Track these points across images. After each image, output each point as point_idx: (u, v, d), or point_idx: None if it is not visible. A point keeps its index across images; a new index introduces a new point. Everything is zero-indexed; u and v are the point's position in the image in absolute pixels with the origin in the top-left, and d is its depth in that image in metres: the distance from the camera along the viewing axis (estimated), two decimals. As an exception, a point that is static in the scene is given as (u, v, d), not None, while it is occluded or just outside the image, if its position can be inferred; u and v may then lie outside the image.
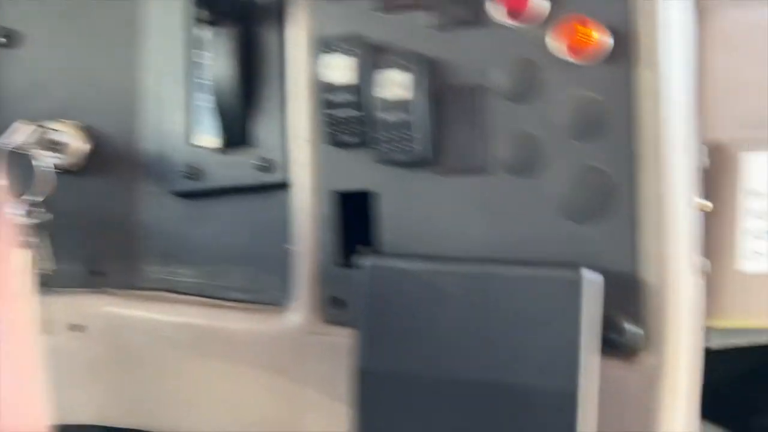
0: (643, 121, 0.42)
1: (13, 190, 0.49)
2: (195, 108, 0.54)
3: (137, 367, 0.54)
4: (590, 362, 0.40)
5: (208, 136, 0.54)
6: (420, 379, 0.43)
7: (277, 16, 0.51)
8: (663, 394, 0.42)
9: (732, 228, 0.57)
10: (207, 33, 0.52)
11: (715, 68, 0.56)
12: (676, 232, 0.42)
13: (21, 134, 0.51)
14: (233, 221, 0.54)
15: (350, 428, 0.44)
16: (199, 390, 0.53)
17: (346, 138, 0.46)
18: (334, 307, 0.48)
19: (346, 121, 0.45)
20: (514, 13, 0.43)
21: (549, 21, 0.43)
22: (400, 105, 0.44)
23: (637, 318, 0.42)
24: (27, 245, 0.49)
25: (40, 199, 0.50)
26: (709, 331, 0.59)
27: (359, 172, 0.47)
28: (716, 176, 0.57)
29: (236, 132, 0.52)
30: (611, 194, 0.42)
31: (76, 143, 0.55)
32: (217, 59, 0.51)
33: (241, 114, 0.52)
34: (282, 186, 0.51)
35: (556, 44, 0.43)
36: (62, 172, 0.54)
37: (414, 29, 0.45)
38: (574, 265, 0.41)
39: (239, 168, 0.53)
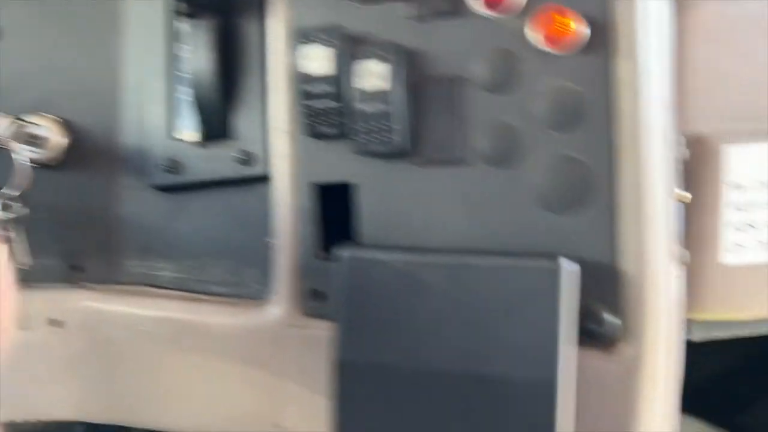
0: (621, 111, 0.42)
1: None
2: (176, 101, 0.54)
3: (117, 362, 0.53)
4: (568, 352, 0.40)
5: (190, 130, 0.53)
6: (399, 370, 0.43)
7: (258, 7, 0.51)
8: (642, 385, 0.42)
9: (714, 220, 0.57)
10: (186, 26, 0.51)
11: (696, 61, 0.56)
12: (655, 222, 0.42)
13: (-2, 127, 0.50)
14: (214, 215, 0.54)
15: (330, 420, 0.44)
16: (179, 384, 0.52)
17: (325, 129, 0.46)
18: (314, 299, 0.48)
19: (325, 112, 0.45)
20: (492, 3, 0.43)
21: (527, 11, 0.43)
22: (379, 96, 0.44)
23: (616, 308, 0.42)
24: (4, 240, 0.48)
25: (17, 193, 0.50)
26: (691, 323, 0.59)
27: (338, 163, 0.47)
28: (698, 169, 0.57)
29: (216, 125, 0.52)
30: (590, 184, 0.42)
31: (55, 137, 0.54)
32: (196, 52, 0.51)
33: (220, 107, 0.52)
34: (263, 179, 0.51)
35: (534, 34, 0.43)
36: (41, 166, 0.54)
37: (392, 20, 0.45)
38: (552, 255, 0.41)
39: (219, 161, 0.52)
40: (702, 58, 0.56)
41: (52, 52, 0.56)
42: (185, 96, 0.53)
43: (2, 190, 0.49)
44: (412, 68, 0.44)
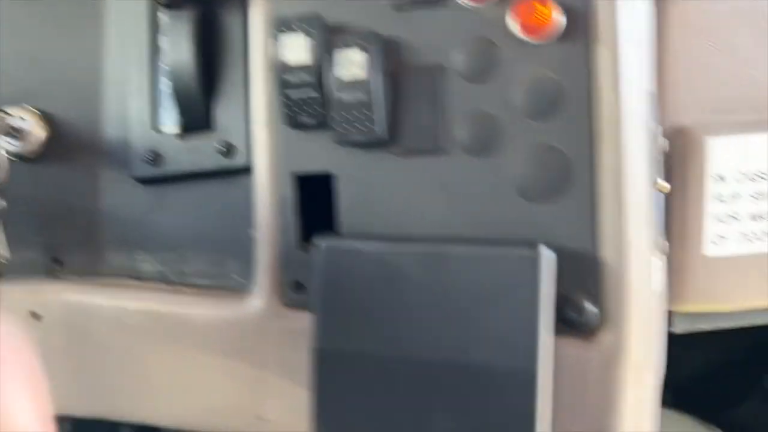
0: (600, 99, 0.42)
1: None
2: (159, 93, 0.54)
3: (97, 355, 0.53)
4: (547, 339, 0.40)
5: (172, 122, 0.53)
6: (378, 359, 0.43)
7: None
8: (621, 373, 0.42)
9: (698, 212, 0.57)
10: (167, 17, 0.51)
11: (678, 53, 0.56)
12: (635, 210, 0.42)
13: (-23, 119, 0.50)
14: (196, 207, 0.54)
15: (310, 410, 0.44)
16: (160, 377, 0.52)
17: (305, 119, 0.46)
18: (295, 291, 0.48)
19: (304, 102, 0.45)
20: (471, -8, 0.43)
21: (507, 0, 0.43)
22: (358, 85, 0.44)
23: (596, 297, 0.42)
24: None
25: (-4, 185, 0.49)
26: (674, 316, 0.59)
27: (318, 154, 0.46)
28: (682, 161, 0.57)
29: (197, 117, 0.52)
30: (569, 173, 0.42)
31: (35, 130, 0.54)
32: (176, 43, 0.50)
33: (201, 98, 0.51)
34: (245, 170, 0.51)
35: (514, 23, 0.43)
36: (20, 159, 0.53)
37: (372, 9, 0.45)
38: (532, 243, 0.41)
39: (201, 153, 0.52)
40: (684, 51, 0.57)
41: (33, 44, 0.56)
42: (167, 88, 0.53)
43: (-19, 183, 0.49)
44: (391, 57, 0.44)
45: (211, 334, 0.50)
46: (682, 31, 0.56)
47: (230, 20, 0.52)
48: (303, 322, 0.46)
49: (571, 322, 0.42)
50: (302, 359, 0.45)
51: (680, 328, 0.59)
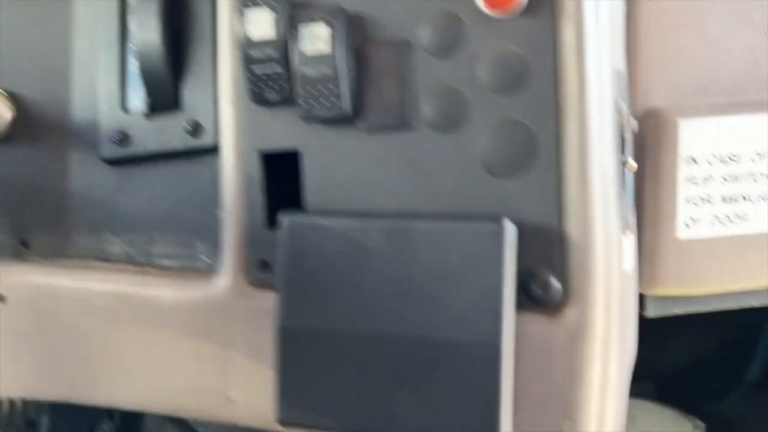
0: (565, 74, 0.42)
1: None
2: (128, 73, 0.53)
3: (64, 337, 0.52)
4: (510, 313, 0.40)
5: (141, 102, 0.53)
6: (343, 336, 0.42)
7: None
8: (587, 349, 0.41)
9: (671, 195, 0.57)
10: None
11: (650, 36, 0.56)
12: (600, 186, 0.42)
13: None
14: (164, 188, 0.53)
15: (274, 389, 0.44)
16: (128, 360, 0.51)
17: (270, 95, 0.45)
18: (261, 270, 0.47)
19: (269, 77, 0.45)
20: (436, -33, 0.43)
21: (472, -25, 0.43)
22: (322, 60, 0.43)
23: (562, 272, 0.42)
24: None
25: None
26: (647, 300, 0.59)
27: (284, 130, 0.46)
28: (655, 143, 0.57)
29: (164, 96, 0.51)
30: (534, 148, 0.42)
31: (1, 110, 0.53)
32: (144, 22, 0.50)
33: (169, 77, 0.51)
34: (213, 150, 0.50)
35: (479, -2, 0.43)
36: (-14, 139, 0.53)
37: None
38: (495, 217, 0.41)
39: (168, 132, 0.52)
40: (655, 34, 0.56)
41: (0, 24, 0.55)
42: (136, 68, 0.52)
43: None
44: (356, 32, 0.44)
45: (178, 315, 0.50)
46: (654, 14, 0.56)
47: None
48: (269, 301, 0.46)
49: (536, 298, 0.42)
50: (269, 339, 0.45)
51: (653, 312, 0.59)
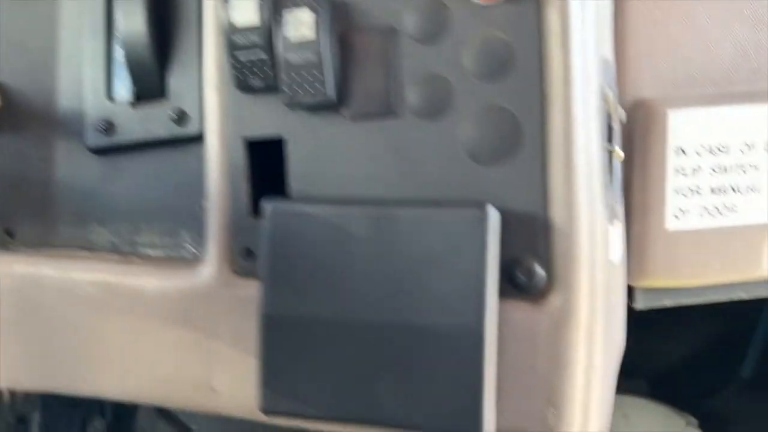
0: (550, 61, 0.41)
1: None
2: (114, 62, 0.53)
3: (48, 327, 0.52)
4: (493, 299, 0.40)
5: (127, 90, 0.52)
6: (326, 323, 0.42)
7: None
8: (571, 336, 0.41)
9: (660, 186, 0.57)
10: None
11: (639, 27, 0.56)
12: (585, 173, 0.42)
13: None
14: (150, 177, 0.53)
15: (257, 377, 0.43)
16: (111, 349, 0.51)
17: (254, 82, 0.45)
18: (246, 258, 0.47)
19: (254, 64, 0.44)
20: (421, -48, 0.43)
21: (457, -39, 0.42)
22: (306, 46, 0.43)
23: (546, 260, 0.41)
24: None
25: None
26: (636, 291, 0.59)
27: (268, 117, 0.46)
28: (644, 134, 0.56)
29: (150, 84, 0.51)
30: (519, 135, 0.42)
31: (-13, 98, 0.53)
32: (129, 11, 0.50)
33: (154, 66, 0.51)
34: (198, 139, 0.50)
35: (463, -16, 0.42)
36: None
37: None
38: (479, 203, 0.40)
39: (153, 121, 0.51)
40: (644, 25, 0.56)
41: None
42: (122, 57, 0.52)
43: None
44: (341, 18, 0.44)
45: (162, 304, 0.49)
46: (643, 5, 0.56)
47: None
48: (254, 290, 0.45)
49: (520, 286, 0.41)
50: (253, 328, 0.45)
51: (642, 304, 0.59)
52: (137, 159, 0.53)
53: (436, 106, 0.43)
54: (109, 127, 0.52)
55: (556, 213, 0.41)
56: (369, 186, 0.44)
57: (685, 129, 0.56)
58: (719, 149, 0.56)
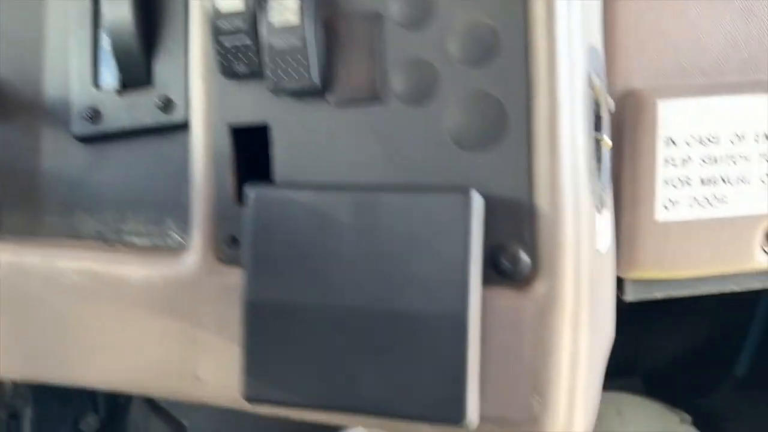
0: (536, 46, 0.41)
1: None
2: (100, 50, 0.53)
3: (32, 316, 0.51)
4: (477, 284, 0.39)
5: (114, 78, 0.52)
6: (309, 309, 0.41)
7: None
8: (556, 324, 0.41)
9: (650, 176, 0.56)
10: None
11: (629, 17, 0.56)
12: (571, 159, 0.42)
13: None
14: (136, 165, 0.52)
15: (240, 364, 0.43)
16: (96, 338, 0.51)
17: (239, 68, 0.45)
18: (230, 246, 0.47)
19: (238, 49, 0.44)
20: (407, -63, 0.42)
21: (442, -55, 0.42)
22: (290, 31, 0.43)
23: (531, 246, 0.41)
24: None
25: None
26: (626, 283, 0.59)
27: (253, 104, 0.45)
28: (634, 125, 0.56)
29: (136, 72, 0.51)
30: (504, 121, 0.41)
31: (-28, 86, 0.53)
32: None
33: (140, 53, 0.50)
34: (185, 126, 0.50)
35: (448, -31, 0.42)
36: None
37: None
38: (463, 188, 0.40)
39: (139, 108, 0.51)
40: (634, 15, 0.56)
41: None
42: (108, 44, 0.52)
43: None
44: (325, 4, 0.43)
45: (147, 292, 0.49)
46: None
47: None
48: (239, 278, 0.45)
49: (505, 272, 0.41)
50: (238, 316, 0.44)
51: (632, 295, 0.59)
52: (123, 147, 0.53)
53: (422, 91, 0.43)
54: (95, 115, 0.52)
55: (542, 199, 0.41)
56: (354, 172, 0.44)
57: (675, 119, 0.56)
58: (709, 140, 0.56)
